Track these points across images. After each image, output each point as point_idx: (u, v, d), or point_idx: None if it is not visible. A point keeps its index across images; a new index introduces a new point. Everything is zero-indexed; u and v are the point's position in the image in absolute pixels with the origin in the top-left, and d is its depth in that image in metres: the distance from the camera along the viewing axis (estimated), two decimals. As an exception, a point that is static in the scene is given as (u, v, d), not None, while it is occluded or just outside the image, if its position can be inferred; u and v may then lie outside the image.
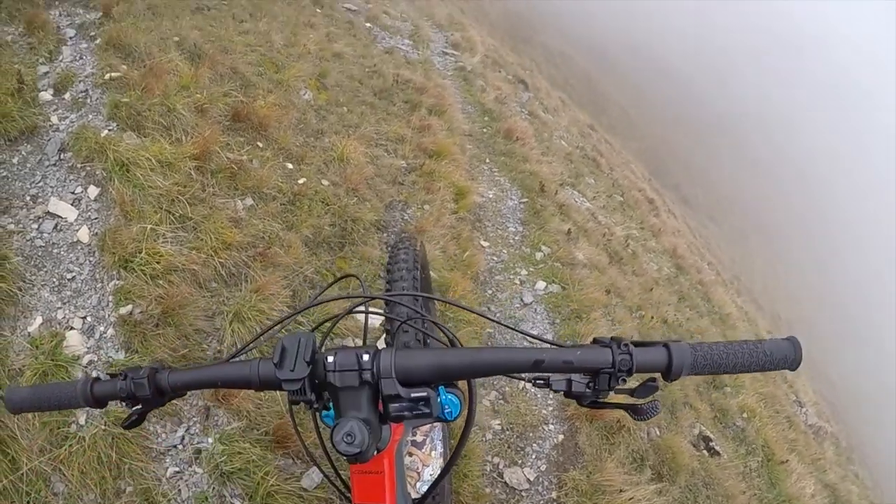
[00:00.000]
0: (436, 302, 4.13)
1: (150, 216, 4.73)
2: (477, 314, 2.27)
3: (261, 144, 6.39)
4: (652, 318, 8.52)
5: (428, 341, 2.32)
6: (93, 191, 4.83)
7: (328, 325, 1.98)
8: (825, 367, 40.08)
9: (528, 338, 3.25)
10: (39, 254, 4.45)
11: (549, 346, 1.46)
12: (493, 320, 1.72)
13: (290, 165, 6.38)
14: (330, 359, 1.37)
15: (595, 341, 1.42)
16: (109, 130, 5.24)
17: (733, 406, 8.12)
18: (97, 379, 1.50)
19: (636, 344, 1.37)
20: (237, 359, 1.57)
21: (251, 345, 1.72)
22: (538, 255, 8.01)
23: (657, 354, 1.35)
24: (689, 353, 1.34)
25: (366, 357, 1.36)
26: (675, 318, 9.54)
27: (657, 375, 1.39)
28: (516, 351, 1.40)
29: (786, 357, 1.36)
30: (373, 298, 1.80)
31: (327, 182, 6.43)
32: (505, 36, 38.34)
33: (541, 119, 15.72)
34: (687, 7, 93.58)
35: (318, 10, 12.87)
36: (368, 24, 14.30)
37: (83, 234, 4.60)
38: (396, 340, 2.66)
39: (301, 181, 6.20)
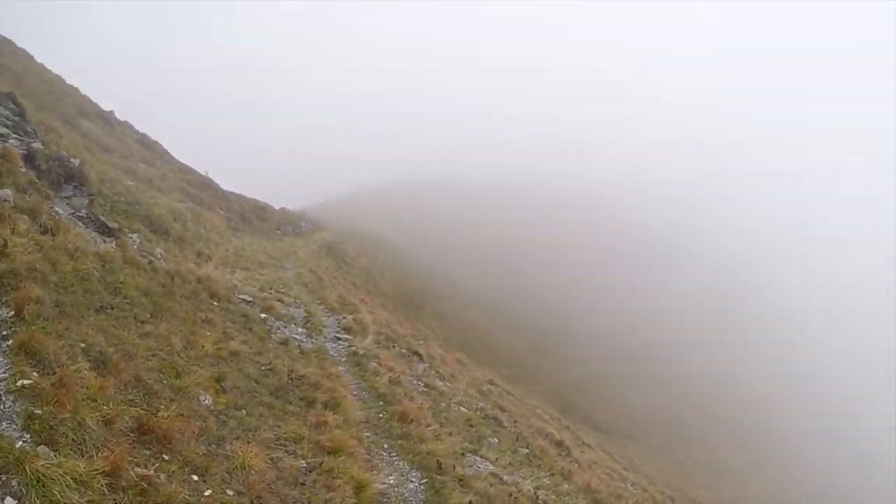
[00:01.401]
0: None
1: None
2: None
3: (166, 457, 6.54)
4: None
5: None
6: (10, 502, 4.86)
7: None
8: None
9: None
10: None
11: None
12: None
13: (195, 478, 6.52)
14: None
15: None
16: (24, 442, 5.36)
17: None
18: None
19: None
20: None
21: None
22: (442, 537, 8.26)
23: None
24: None
25: None
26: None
27: None
28: None
29: None
30: None
31: (232, 492, 6.60)
32: (398, 305, 39.60)
33: (437, 389, 16.22)
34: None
35: (214, 304, 13.35)
36: (263, 315, 14.82)
37: (4, 553, 4.65)
38: None
39: (207, 493, 6.35)
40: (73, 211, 14.29)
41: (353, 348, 15.54)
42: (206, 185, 40.97)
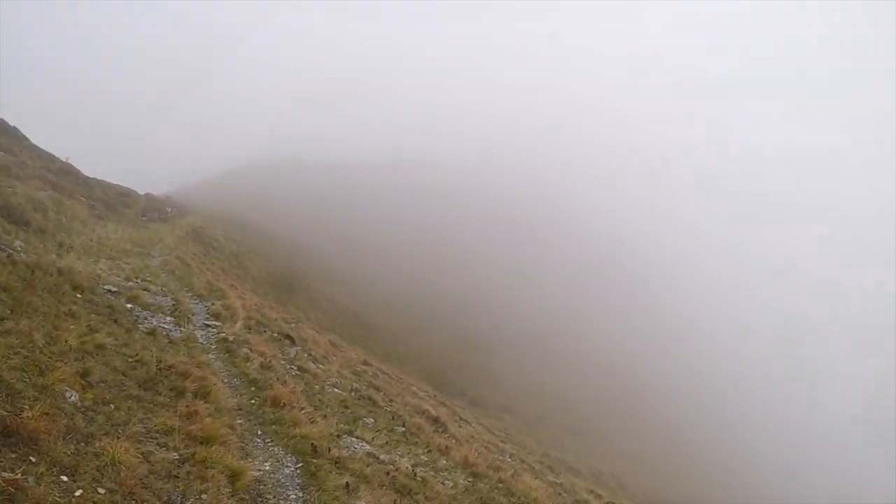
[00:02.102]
0: None
1: None
2: None
3: (33, 459, 6.41)
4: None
5: None
6: None
7: None
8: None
9: None
10: None
11: None
12: None
13: (65, 478, 6.42)
14: None
15: None
16: None
17: None
18: None
19: None
20: None
21: None
22: (321, 517, 8.41)
23: None
24: None
25: None
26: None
27: None
28: None
29: None
30: None
31: (104, 490, 6.52)
32: (269, 289, 39.27)
33: (310, 372, 16.29)
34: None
35: (78, 296, 13.01)
36: (129, 305, 14.52)
37: None
38: None
39: (78, 493, 6.27)
40: (-82, 204, 13.63)
41: (223, 335, 15.40)
42: (68, 171, 39.50)
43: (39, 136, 43.34)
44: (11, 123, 41.28)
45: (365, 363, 25.85)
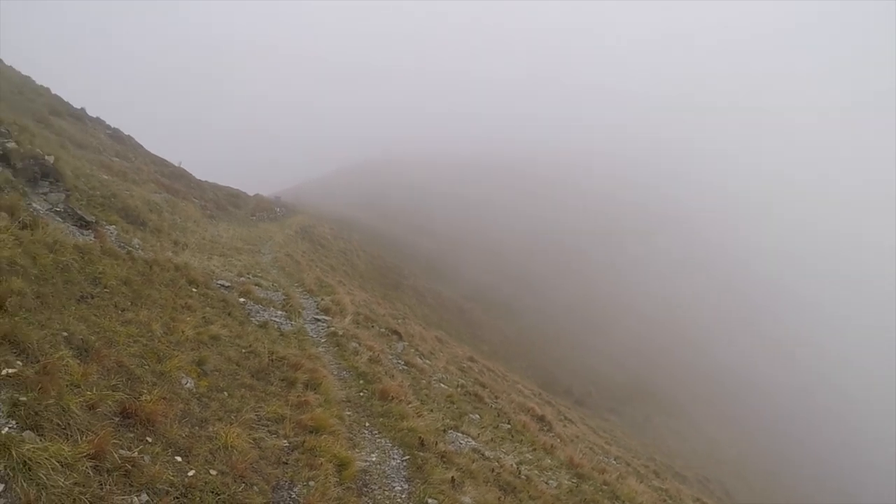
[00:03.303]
0: None
1: None
2: None
3: (150, 439, 6.66)
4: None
5: None
6: None
7: None
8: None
9: None
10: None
11: None
12: None
13: (179, 459, 6.65)
14: None
15: None
16: (10, 428, 5.47)
17: None
18: None
19: None
20: None
21: None
22: (426, 509, 8.43)
23: None
24: None
25: None
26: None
27: None
28: None
29: None
30: None
31: (215, 472, 6.73)
32: (376, 285, 39.73)
33: (417, 367, 16.39)
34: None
35: (193, 290, 13.49)
36: (242, 300, 14.96)
37: (-8, 532, 4.75)
38: None
39: (191, 473, 6.48)
40: (50, 206, 14.37)
41: (333, 329, 15.69)
42: (180, 175, 41.14)
43: (152, 143, 45.36)
44: (125, 133, 43.15)
45: (471, 359, 25.87)
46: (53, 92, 40.40)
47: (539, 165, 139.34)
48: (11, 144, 14.93)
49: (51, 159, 16.51)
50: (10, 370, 6.11)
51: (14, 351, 6.46)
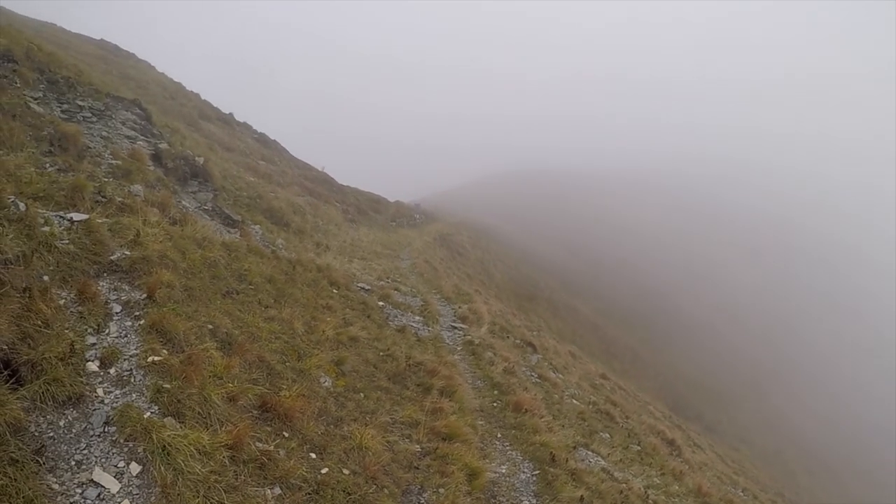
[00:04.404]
0: None
1: (189, 500, 5.09)
2: None
3: (286, 434, 6.83)
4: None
5: None
6: (135, 467, 5.16)
7: None
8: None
9: None
10: (84, 518, 4.77)
11: None
12: None
13: (313, 455, 6.79)
14: None
15: None
16: (152, 413, 5.68)
17: None
18: None
19: None
20: None
21: None
22: (554, 527, 8.26)
23: None
24: None
25: None
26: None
27: None
28: None
29: None
30: None
31: (348, 471, 6.82)
32: (511, 296, 39.64)
33: (550, 381, 16.19)
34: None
35: (334, 291, 13.79)
36: (381, 303, 15.17)
37: (125, 508, 4.96)
38: None
39: (324, 471, 6.60)
40: (198, 204, 14.98)
41: (469, 337, 15.70)
42: (324, 179, 42.33)
43: (297, 148, 46.87)
44: (271, 137, 44.78)
45: (603, 377, 25.42)
46: (203, 98, 42.43)
47: (671, 177, 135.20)
48: (164, 145, 15.64)
49: (200, 160, 17.24)
50: (157, 358, 6.33)
51: (161, 340, 6.67)
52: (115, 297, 7.10)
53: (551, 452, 10.17)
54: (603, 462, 11.98)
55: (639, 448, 15.14)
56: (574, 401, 15.85)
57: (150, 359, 6.28)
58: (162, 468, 5.17)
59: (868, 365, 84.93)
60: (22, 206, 7.27)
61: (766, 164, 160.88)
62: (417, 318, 15.45)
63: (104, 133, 13.28)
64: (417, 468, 7.86)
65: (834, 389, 72.84)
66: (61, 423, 5.26)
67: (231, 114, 43.15)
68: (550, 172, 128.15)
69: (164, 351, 6.51)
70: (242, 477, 5.71)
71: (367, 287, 16.00)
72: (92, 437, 5.29)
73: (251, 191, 21.36)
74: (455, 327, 16.45)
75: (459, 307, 18.78)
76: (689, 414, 43.85)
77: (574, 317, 50.65)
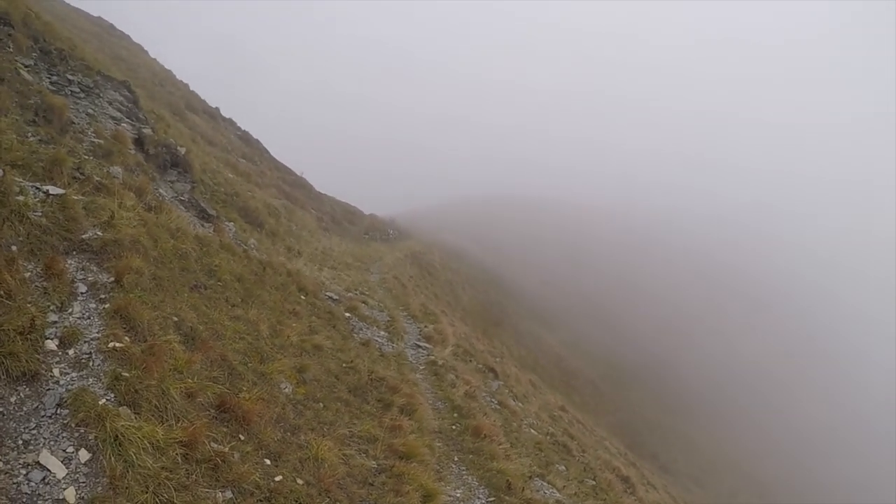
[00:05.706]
0: None
1: (137, 495, 4.93)
2: None
3: (243, 437, 6.69)
4: None
5: None
6: (84, 454, 5.02)
7: None
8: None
9: None
10: (24, 500, 4.56)
11: None
12: None
13: (268, 462, 6.64)
14: None
15: None
16: (107, 400, 5.53)
17: None
18: None
19: None
20: None
21: None
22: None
23: None
24: None
25: None
26: None
27: None
28: None
29: None
30: None
31: (302, 481, 6.67)
32: (478, 320, 39.62)
33: (510, 408, 16.11)
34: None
35: (302, 297, 13.66)
36: (348, 314, 15.06)
37: (70, 495, 4.73)
38: None
39: (278, 478, 6.45)
40: (175, 194, 14.81)
41: (433, 357, 15.62)
42: (302, 185, 42.39)
43: (279, 146, 46.85)
44: (254, 136, 44.70)
45: (562, 408, 25.39)
46: (192, 88, 42.26)
47: (635, 216, 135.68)
48: (147, 131, 15.46)
49: (182, 150, 17.07)
50: (118, 344, 6.22)
51: (124, 326, 6.58)
52: (81, 277, 7.00)
53: (508, 480, 10.08)
54: (558, 494, 11.89)
55: (594, 483, 15.07)
56: (532, 430, 15.78)
57: (111, 344, 6.16)
58: (112, 458, 5.05)
59: (838, 408, 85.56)
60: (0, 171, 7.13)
61: (716, 195, 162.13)
62: (383, 333, 15.36)
63: (90, 110, 13.10)
64: (372, 485, 7.73)
65: (802, 431, 73.25)
66: (12, 400, 5.15)
67: (217, 108, 43.13)
68: (538, 200, 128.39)
69: (127, 338, 6.40)
70: (194, 476, 5.58)
71: (335, 297, 15.89)
72: (43, 417, 5.17)
73: (229, 187, 21.20)
74: (420, 346, 16.36)
75: (425, 326, 18.71)
76: (644, 452, 43.92)
77: (538, 346, 50.71)
